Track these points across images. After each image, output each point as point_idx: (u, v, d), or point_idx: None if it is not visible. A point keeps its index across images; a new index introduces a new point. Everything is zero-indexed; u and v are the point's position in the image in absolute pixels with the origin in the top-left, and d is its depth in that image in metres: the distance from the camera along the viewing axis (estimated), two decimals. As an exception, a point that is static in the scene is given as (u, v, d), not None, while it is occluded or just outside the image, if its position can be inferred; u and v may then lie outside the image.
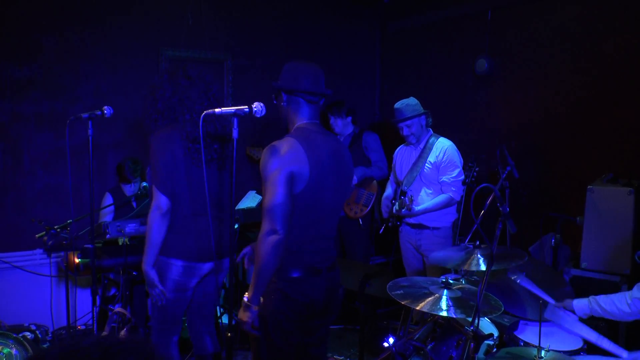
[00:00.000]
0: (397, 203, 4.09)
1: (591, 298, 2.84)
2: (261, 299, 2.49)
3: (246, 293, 2.46)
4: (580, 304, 2.86)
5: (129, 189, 4.34)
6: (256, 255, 2.39)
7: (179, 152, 2.86)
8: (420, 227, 4.18)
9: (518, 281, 3.01)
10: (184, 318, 3.24)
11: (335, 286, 2.68)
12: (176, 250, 2.93)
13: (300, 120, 2.58)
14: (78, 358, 1.05)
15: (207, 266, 3.01)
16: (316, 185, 2.46)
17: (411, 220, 4.20)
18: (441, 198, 4.06)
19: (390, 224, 4.32)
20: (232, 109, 2.35)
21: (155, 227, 2.84)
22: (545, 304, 2.98)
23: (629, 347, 3.33)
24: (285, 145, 2.43)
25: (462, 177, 4.03)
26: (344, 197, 2.71)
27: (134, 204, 4.35)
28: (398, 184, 4.32)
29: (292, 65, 2.60)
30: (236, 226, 3.74)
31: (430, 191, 4.12)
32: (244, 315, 2.45)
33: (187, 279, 2.98)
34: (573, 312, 2.88)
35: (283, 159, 2.38)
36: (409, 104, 4.11)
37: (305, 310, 2.55)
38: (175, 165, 2.86)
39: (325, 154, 2.51)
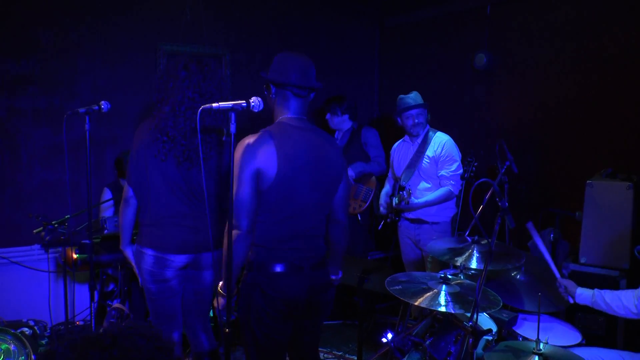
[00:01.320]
0: (396, 197, 4.08)
1: (596, 291, 2.82)
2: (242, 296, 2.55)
3: (220, 282, 2.56)
4: (584, 294, 2.84)
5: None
6: (224, 247, 2.46)
7: (150, 148, 2.85)
8: (419, 222, 4.18)
9: (533, 239, 3.00)
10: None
11: (322, 285, 2.66)
12: (148, 240, 2.95)
13: (285, 113, 2.57)
14: (91, 344, 1.09)
15: (180, 258, 2.97)
16: (286, 182, 2.46)
17: (410, 215, 4.20)
18: (441, 192, 4.05)
19: (389, 220, 4.32)
20: (230, 103, 2.34)
21: (122, 211, 2.98)
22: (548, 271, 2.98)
23: (628, 347, 3.34)
24: (254, 140, 2.45)
25: (461, 170, 4.03)
26: (329, 194, 2.65)
27: None
28: (396, 179, 4.31)
29: (282, 57, 2.58)
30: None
31: (429, 185, 4.12)
32: (216, 302, 2.57)
33: (160, 270, 2.96)
34: (573, 297, 2.88)
35: (250, 156, 2.42)
36: (412, 95, 4.14)
37: (285, 307, 2.54)
38: (144, 160, 2.86)
39: (301, 150, 2.49)
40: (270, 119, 2.66)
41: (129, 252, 3.07)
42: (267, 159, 2.42)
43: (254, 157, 2.42)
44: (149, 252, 2.94)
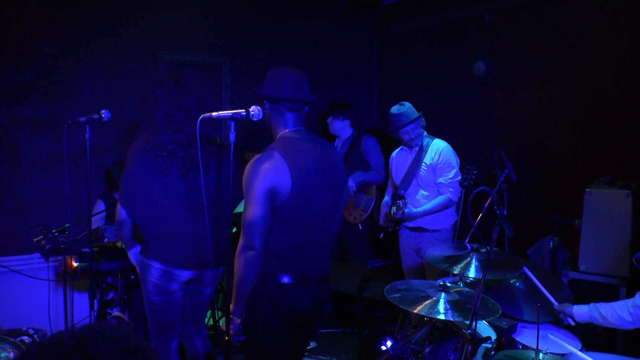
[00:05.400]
0: (394, 207, 4.07)
1: (592, 305, 2.80)
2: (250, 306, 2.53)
3: (231, 304, 2.49)
4: (580, 310, 2.82)
5: (118, 196, 4.31)
6: (235, 269, 2.42)
7: (152, 167, 2.86)
8: (419, 230, 4.16)
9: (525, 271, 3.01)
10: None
11: (324, 299, 2.67)
12: (156, 253, 2.96)
13: (284, 128, 2.58)
14: (53, 351, 1.07)
15: (187, 273, 2.99)
16: (301, 195, 2.46)
17: (410, 224, 4.18)
18: (439, 200, 4.04)
19: (390, 229, 4.30)
20: (229, 112, 2.37)
21: (119, 230, 3.03)
22: (546, 304, 2.97)
23: (628, 353, 3.33)
24: (266, 159, 2.43)
25: (459, 177, 4.01)
26: (337, 200, 2.68)
27: None
28: (395, 188, 4.30)
29: (275, 72, 2.59)
30: (234, 230, 3.73)
31: (427, 193, 4.10)
32: (228, 327, 2.48)
33: (166, 283, 2.97)
34: (572, 317, 2.85)
35: (263, 175, 2.39)
36: (404, 110, 4.06)
37: (293, 317, 2.55)
38: (145, 179, 2.87)
39: (310, 161, 2.51)
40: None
41: (131, 254, 3.12)
42: (281, 175, 2.40)
43: (267, 175, 2.39)
44: (156, 265, 2.94)
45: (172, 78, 2.91)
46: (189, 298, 3.14)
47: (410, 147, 4.20)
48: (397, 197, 4.14)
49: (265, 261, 2.50)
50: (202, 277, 3.05)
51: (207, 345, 3.27)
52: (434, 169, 4.04)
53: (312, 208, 2.52)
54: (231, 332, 2.47)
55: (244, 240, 2.40)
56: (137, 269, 3.11)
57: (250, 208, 2.39)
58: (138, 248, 3.10)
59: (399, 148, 4.37)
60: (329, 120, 5.03)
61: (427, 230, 4.13)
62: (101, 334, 1.10)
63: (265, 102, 2.57)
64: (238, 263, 2.41)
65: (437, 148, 4.07)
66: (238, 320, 2.47)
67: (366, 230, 4.95)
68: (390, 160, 4.45)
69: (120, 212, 2.93)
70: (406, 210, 3.98)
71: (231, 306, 2.48)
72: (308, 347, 4.25)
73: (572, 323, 2.87)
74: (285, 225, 2.48)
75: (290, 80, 2.53)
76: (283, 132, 2.58)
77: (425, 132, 4.18)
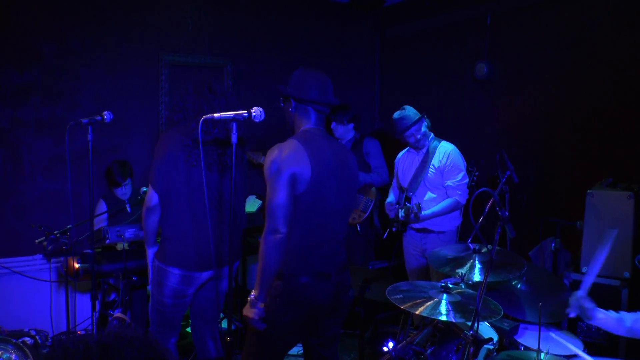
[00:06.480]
0: (402, 210, 4.07)
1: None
2: (267, 300, 2.56)
3: (253, 290, 2.52)
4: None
5: (120, 192, 4.32)
6: (260, 254, 2.46)
7: (179, 153, 2.90)
8: (425, 231, 4.16)
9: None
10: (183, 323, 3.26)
11: (344, 288, 2.73)
12: (174, 259, 2.97)
13: (306, 124, 2.66)
14: (79, 357, 1.06)
15: (205, 275, 3.02)
16: (318, 187, 2.52)
17: (416, 225, 4.17)
18: (447, 202, 4.03)
19: (394, 229, 4.30)
20: (231, 113, 2.39)
21: (146, 217, 3.00)
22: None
23: (630, 355, 3.33)
24: (287, 147, 2.51)
25: (467, 180, 4.02)
26: (350, 201, 2.74)
27: (128, 209, 4.33)
28: (402, 189, 4.29)
29: (302, 73, 2.67)
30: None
31: (435, 195, 4.09)
32: (249, 312, 2.51)
33: (185, 287, 3.00)
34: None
35: (285, 161, 2.46)
36: (406, 113, 4.07)
37: (310, 315, 2.61)
38: (173, 165, 2.91)
39: (328, 157, 2.57)
40: (274, 130, 2.70)
41: (150, 253, 3.12)
42: (302, 163, 2.47)
43: (289, 161, 2.46)
44: (174, 271, 2.96)
45: (216, 83, 3.04)
46: (203, 294, 3.16)
47: (417, 149, 4.19)
48: (405, 198, 4.14)
49: (285, 261, 2.55)
50: (221, 272, 3.07)
51: (219, 350, 3.27)
52: (441, 171, 4.03)
53: (327, 203, 2.57)
54: (255, 317, 2.49)
55: (269, 224, 2.44)
56: (152, 271, 3.10)
57: (274, 192, 2.44)
58: (157, 248, 3.11)
59: (405, 150, 4.36)
60: (333, 126, 4.99)
61: (433, 232, 4.13)
62: (127, 341, 1.09)
63: (292, 101, 2.64)
64: (263, 247, 2.44)
65: (445, 151, 4.06)
66: (262, 305, 2.50)
67: (365, 232, 4.94)
68: (395, 161, 4.43)
69: (152, 198, 2.95)
70: (420, 215, 4.00)
71: (255, 291, 2.49)
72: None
73: (572, 315, 2.57)
74: (301, 219, 2.52)
75: (316, 83, 2.63)
76: (305, 127, 2.66)
77: (432, 134, 4.17)
